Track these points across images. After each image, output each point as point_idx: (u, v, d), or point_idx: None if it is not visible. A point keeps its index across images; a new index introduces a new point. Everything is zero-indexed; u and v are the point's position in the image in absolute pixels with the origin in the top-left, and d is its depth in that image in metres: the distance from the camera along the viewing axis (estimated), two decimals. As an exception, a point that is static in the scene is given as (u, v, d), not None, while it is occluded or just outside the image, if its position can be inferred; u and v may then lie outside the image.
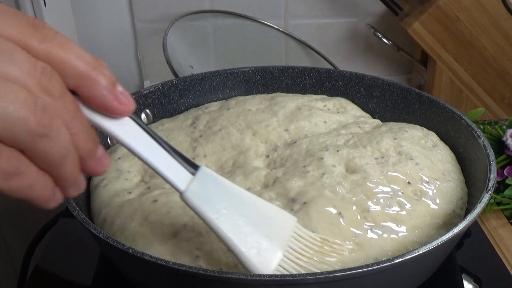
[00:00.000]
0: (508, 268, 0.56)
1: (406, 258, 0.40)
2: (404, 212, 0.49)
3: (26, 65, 0.27)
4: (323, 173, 0.52)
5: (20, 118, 0.26)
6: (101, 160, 0.31)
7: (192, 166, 0.37)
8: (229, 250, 0.40)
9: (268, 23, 0.92)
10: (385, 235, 0.47)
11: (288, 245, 0.41)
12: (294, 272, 0.41)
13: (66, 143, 0.28)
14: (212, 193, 0.38)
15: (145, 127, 0.33)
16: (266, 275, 0.39)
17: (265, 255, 0.39)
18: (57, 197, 0.30)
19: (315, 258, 0.42)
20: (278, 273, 0.40)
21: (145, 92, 0.66)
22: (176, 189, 0.36)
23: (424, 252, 0.41)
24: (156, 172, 0.34)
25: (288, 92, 0.72)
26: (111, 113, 0.30)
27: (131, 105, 0.30)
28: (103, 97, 0.29)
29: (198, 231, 0.46)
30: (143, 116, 0.66)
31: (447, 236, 0.42)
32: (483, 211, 0.57)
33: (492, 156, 0.52)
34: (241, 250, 0.39)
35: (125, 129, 0.31)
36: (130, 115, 0.31)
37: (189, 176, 0.36)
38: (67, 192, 0.30)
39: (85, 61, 0.29)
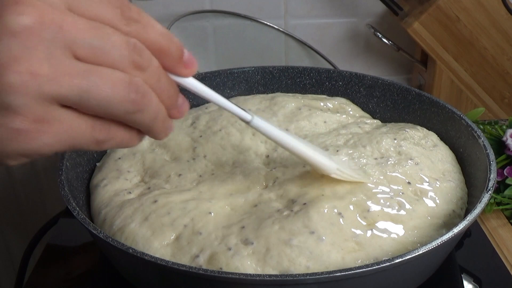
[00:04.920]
0: (508, 268, 0.56)
1: (406, 258, 0.40)
2: (404, 212, 0.49)
3: (122, 48, 0.30)
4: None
5: (117, 100, 0.30)
6: (181, 107, 0.36)
7: (248, 112, 0.44)
8: (301, 158, 0.48)
9: (268, 23, 0.92)
10: (385, 235, 0.47)
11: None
12: (350, 177, 0.50)
13: (156, 108, 0.33)
14: (270, 125, 0.46)
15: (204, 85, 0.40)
16: (266, 275, 0.39)
17: (329, 161, 0.49)
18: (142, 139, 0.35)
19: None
20: (338, 175, 0.49)
21: (145, 92, 0.66)
22: (244, 119, 0.43)
23: (424, 252, 0.41)
24: (225, 109, 0.42)
25: (288, 92, 0.72)
26: (180, 75, 0.35)
27: (195, 68, 0.36)
28: (174, 66, 0.34)
29: (198, 232, 0.46)
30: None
31: (447, 236, 0.42)
32: (483, 211, 0.57)
33: (492, 156, 0.52)
34: (314, 156, 0.48)
35: (194, 83, 0.38)
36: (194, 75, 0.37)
37: (249, 114, 0.44)
38: (157, 138, 0.36)
39: (163, 37, 0.33)
